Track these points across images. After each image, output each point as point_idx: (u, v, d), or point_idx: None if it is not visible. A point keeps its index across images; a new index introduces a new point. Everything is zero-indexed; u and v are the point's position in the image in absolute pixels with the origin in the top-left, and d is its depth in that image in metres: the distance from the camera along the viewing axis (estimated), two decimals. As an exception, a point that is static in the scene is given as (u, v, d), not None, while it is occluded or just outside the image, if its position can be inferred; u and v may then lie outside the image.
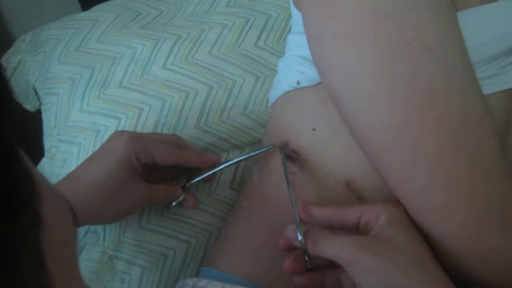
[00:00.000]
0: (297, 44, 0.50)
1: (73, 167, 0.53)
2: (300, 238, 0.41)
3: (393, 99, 0.37)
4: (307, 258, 0.42)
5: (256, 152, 0.53)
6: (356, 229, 0.42)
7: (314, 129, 0.48)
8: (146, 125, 0.61)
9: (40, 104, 0.71)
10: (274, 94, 0.54)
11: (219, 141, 0.62)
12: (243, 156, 0.54)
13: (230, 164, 0.55)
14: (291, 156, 0.50)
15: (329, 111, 0.47)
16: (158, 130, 0.61)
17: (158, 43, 0.64)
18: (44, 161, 0.66)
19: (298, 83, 0.49)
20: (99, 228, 0.61)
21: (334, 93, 0.42)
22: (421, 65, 0.36)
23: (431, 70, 0.37)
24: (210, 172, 0.56)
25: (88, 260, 0.60)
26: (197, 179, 0.57)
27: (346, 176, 0.46)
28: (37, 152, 0.68)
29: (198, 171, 0.57)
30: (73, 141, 0.63)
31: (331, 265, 0.42)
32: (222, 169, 0.56)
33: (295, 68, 0.50)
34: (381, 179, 0.42)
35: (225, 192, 0.62)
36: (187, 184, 0.57)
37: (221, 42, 0.64)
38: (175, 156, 0.53)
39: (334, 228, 0.43)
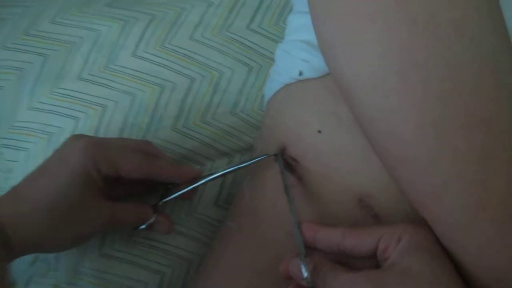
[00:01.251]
0: (300, 26, 0.50)
1: (20, 178, 0.52)
2: (306, 275, 0.41)
3: (419, 94, 0.37)
4: None
5: (247, 163, 0.52)
6: (373, 257, 0.42)
7: (319, 131, 0.48)
8: (110, 127, 0.61)
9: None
10: (271, 88, 0.54)
11: (202, 147, 0.62)
12: (231, 167, 0.53)
13: (215, 178, 0.54)
14: (290, 164, 0.50)
15: (339, 109, 0.47)
16: (126, 134, 0.61)
17: (128, 25, 0.64)
18: (-17, 171, 0.64)
19: (300, 74, 0.49)
20: (50, 256, 0.59)
21: (345, 86, 0.41)
22: (455, 54, 0.36)
23: (469, 61, 0.36)
24: (189, 188, 0.55)
25: (36, 295, 0.58)
26: (173, 196, 0.56)
27: (359, 190, 0.47)
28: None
29: (175, 186, 0.57)
30: (20, 146, 0.63)
31: None
32: (204, 183, 0.55)
33: (297, 56, 0.50)
34: (402, 193, 0.42)
35: (209, 211, 0.62)
36: (160, 203, 0.57)
37: (206, 24, 0.64)
38: (145, 168, 0.53)
39: (345, 255, 0.43)
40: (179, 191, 0.55)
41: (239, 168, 0.52)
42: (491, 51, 0.37)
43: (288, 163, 0.49)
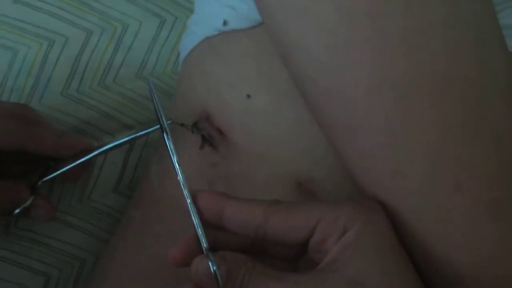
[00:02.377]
0: None
1: None
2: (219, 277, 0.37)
3: (375, 46, 0.36)
4: None
5: (142, 133, 0.51)
6: (304, 249, 0.40)
7: (248, 96, 0.47)
8: (-17, 89, 0.59)
9: None
10: (188, 42, 0.53)
11: (100, 117, 0.62)
12: (123, 138, 0.52)
13: (104, 151, 0.53)
14: (213, 137, 0.49)
15: (273, 68, 0.46)
16: (3, 98, 0.60)
17: None
18: None
19: (225, 23, 0.48)
20: None
21: (281, 37, 0.41)
22: None
23: (441, 5, 0.36)
24: (75, 164, 0.53)
25: None
26: (55, 174, 0.55)
27: (298, 172, 0.46)
28: None
29: (58, 163, 0.55)
30: None
31: None
32: (93, 157, 0.53)
33: (221, 2, 0.49)
34: (351, 175, 0.42)
35: (107, 199, 0.62)
36: (39, 183, 0.55)
37: None
38: (20, 137, 0.51)
39: (268, 243, 0.40)
40: (63, 167, 0.54)
41: (132, 138, 0.52)
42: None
43: (211, 136, 0.49)
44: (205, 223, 0.39)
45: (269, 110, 0.47)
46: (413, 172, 0.38)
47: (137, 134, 0.51)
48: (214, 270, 0.37)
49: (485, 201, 0.37)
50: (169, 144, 0.43)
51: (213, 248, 0.39)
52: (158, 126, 0.47)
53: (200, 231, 0.39)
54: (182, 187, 0.40)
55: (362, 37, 0.36)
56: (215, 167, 0.49)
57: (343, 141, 0.41)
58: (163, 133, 0.44)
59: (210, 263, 0.37)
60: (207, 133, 0.49)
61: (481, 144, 0.37)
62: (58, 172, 0.54)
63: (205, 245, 0.39)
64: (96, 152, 0.53)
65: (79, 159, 0.53)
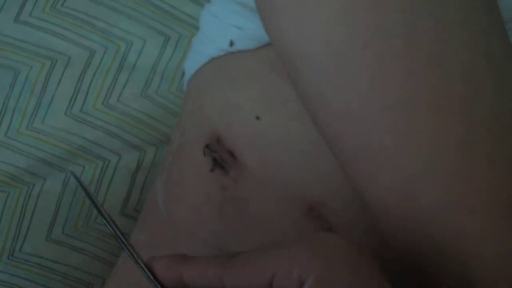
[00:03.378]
0: None
1: None
2: None
3: (385, 66, 0.36)
4: None
5: None
6: None
7: (257, 118, 0.47)
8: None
9: None
10: (194, 62, 0.53)
11: (106, 137, 0.62)
12: None
13: None
14: (224, 160, 0.48)
15: (282, 89, 0.45)
16: (5, 122, 0.60)
17: None
18: None
19: (231, 44, 0.48)
20: None
21: (291, 57, 0.40)
22: (436, 19, 0.36)
23: (443, 23, 0.36)
24: None
25: None
26: None
27: (309, 195, 0.46)
28: None
29: None
30: None
31: None
32: None
33: (227, 21, 0.48)
34: (360, 197, 0.41)
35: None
36: None
37: None
38: None
39: None
40: None
41: None
42: (478, 16, 0.37)
43: (222, 158, 0.48)
44: None
45: (279, 132, 0.47)
46: (424, 195, 0.37)
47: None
48: None
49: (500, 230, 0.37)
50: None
51: None
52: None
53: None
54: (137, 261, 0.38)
55: (375, 58, 0.36)
56: (225, 190, 0.48)
57: (353, 162, 0.40)
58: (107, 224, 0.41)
59: None
60: (218, 156, 0.49)
61: (496, 167, 0.37)
62: None
63: None
64: None
65: None
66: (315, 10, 0.37)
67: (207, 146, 0.49)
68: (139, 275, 0.47)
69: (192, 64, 0.54)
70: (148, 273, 0.36)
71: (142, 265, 0.37)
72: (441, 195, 0.37)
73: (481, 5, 0.37)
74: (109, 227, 0.38)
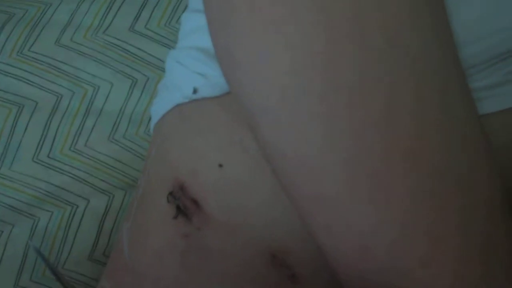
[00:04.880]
0: (196, 28, 0.49)
1: None
2: None
3: (341, 122, 0.36)
4: None
5: None
6: None
7: (220, 165, 0.47)
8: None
9: None
10: (159, 108, 0.53)
11: (74, 182, 0.61)
12: None
13: None
14: (187, 207, 0.48)
15: (245, 138, 0.45)
16: None
17: None
18: None
19: (195, 91, 0.48)
20: None
21: (247, 111, 0.40)
22: (387, 69, 0.35)
23: (394, 75, 0.36)
24: None
25: None
26: None
27: (273, 243, 0.45)
28: None
29: None
30: None
31: None
32: None
33: (191, 68, 0.48)
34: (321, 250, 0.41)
35: (82, 267, 0.61)
36: None
37: (77, 25, 0.63)
38: None
39: None
40: None
41: None
42: (434, 67, 0.37)
43: (186, 207, 0.48)
44: None
45: (242, 180, 0.46)
46: (381, 250, 0.37)
47: None
48: None
49: (450, 277, 0.37)
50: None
51: None
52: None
53: None
54: None
55: (330, 111, 0.36)
56: (188, 238, 0.47)
57: (310, 215, 0.40)
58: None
59: None
60: (182, 203, 0.48)
61: (448, 217, 0.37)
62: None
63: None
64: None
65: None
66: (271, 65, 0.37)
67: (170, 193, 0.49)
68: None
69: (157, 110, 0.53)
70: None
71: None
72: (394, 246, 0.37)
73: (439, 57, 0.37)
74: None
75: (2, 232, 0.59)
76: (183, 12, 0.63)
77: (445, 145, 0.37)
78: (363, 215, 0.37)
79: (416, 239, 0.37)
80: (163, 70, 0.62)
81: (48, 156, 0.60)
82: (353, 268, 0.39)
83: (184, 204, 0.48)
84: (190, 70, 0.49)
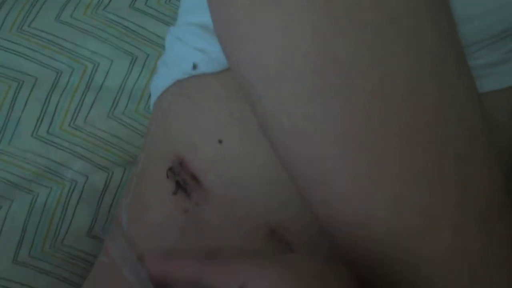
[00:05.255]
0: (196, 5, 0.49)
1: None
2: None
3: (338, 98, 0.36)
4: None
5: None
6: None
7: (220, 141, 0.47)
8: None
9: None
10: (158, 84, 0.52)
11: (72, 158, 0.61)
12: None
13: None
14: (187, 183, 0.48)
15: (244, 113, 0.45)
16: None
17: None
18: None
19: (194, 67, 0.48)
20: None
21: (246, 87, 0.40)
22: (383, 44, 0.35)
23: (401, 56, 0.35)
24: None
25: None
26: None
27: (272, 219, 0.45)
28: None
29: None
30: None
31: None
32: None
33: (191, 44, 0.48)
34: (320, 224, 0.41)
35: (81, 244, 0.61)
36: None
37: (76, 1, 0.63)
38: None
39: None
40: None
41: None
42: (430, 45, 0.37)
43: (185, 182, 0.48)
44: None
45: (241, 155, 0.46)
46: (377, 224, 0.37)
47: None
48: None
49: (446, 250, 0.37)
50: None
51: None
52: None
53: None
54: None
55: (326, 85, 0.36)
56: (187, 213, 0.47)
57: (310, 191, 0.40)
58: None
59: None
60: (181, 179, 0.48)
61: (444, 193, 0.37)
62: None
63: None
64: None
65: None
66: (269, 37, 0.37)
67: (170, 169, 0.48)
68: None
69: (157, 87, 0.53)
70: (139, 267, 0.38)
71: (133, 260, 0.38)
72: (391, 220, 0.37)
73: (434, 35, 0.37)
74: None
75: (1, 207, 0.59)
76: (183, -11, 0.61)
77: (442, 121, 0.37)
78: (360, 190, 0.37)
79: (412, 213, 0.37)
80: (163, 47, 0.61)
81: (47, 132, 0.60)
82: (352, 239, 0.39)
83: (183, 179, 0.48)
84: (189, 46, 0.48)
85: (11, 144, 0.59)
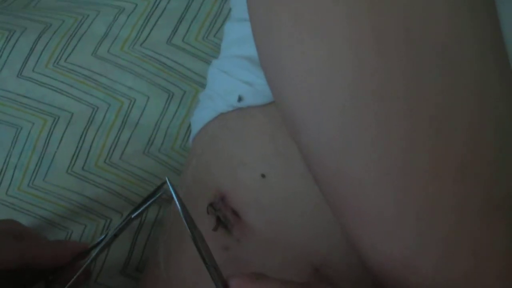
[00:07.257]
0: (241, 38, 0.49)
1: None
2: None
3: (382, 129, 0.36)
4: None
5: (144, 207, 0.49)
6: None
7: (263, 176, 0.46)
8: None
9: None
10: (201, 118, 0.53)
11: (107, 195, 0.61)
12: (123, 221, 0.50)
13: (106, 245, 0.51)
14: (228, 219, 0.48)
15: (289, 148, 0.45)
16: (6, 179, 0.60)
17: (13, 37, 0.63)
18: None
19: (240, 99, 0.48)
20: None
21: (291, 119, 0.40)
22: (432, 79, 0.35)
23: (450, 90, 0.35)
24: (79, 272, 0.50)
25: None
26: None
27: (315, 257, 0.45)
28: None
29: (59, 272, 0.52)
30: None
31: None
32: (95, 257, 0.51)
33: (236, 76, 0.49)
34: (364, 264, 0.40)
35: (115, 282, 0.60)
36: None
37: (114, 37, 0.64)
38: (16, 253, 0.48)
39: None
40: (68, 277, 0.51)
41: (134, 217, 0.50)
42: (477, 78, 0.36)
43: (226, 218, 0.47)
44: None
45: (285, 191, 0.46)
46: (424, 266, 0.37)
47: (143, 207, 0.50)
48: None
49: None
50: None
51: None
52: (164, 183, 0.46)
53: None
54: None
55: (371, 117, 0.35)
56: (228, 250, 0.47)
57: (355, 232, 0.40)
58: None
59: None
60: (222, 214, 0.48)
61: (493, 237, 0.37)
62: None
63: None
64: (101, 245, 0.51)
65: (77, 265, 0.51)
66: (316, 74, 0.37)
67: (210, 204, 0.48)
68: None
69: (199, 120, 0.53)
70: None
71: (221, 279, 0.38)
72: (439, 263, 0.37)
73: (494, 69, 0.37)
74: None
75: (36, 244, 0.58)
76: (221, 26, 0.63)
77: (496, 159, 0.36)
78: (408, 233, 0.37)
79: (461, 256, 0.36)
80: (199, 84, 0.62)
81: (82, 169, 0.60)
82: (396, 281, 0.39)
83: (224, 215, 0.48)
84: (235, 78, 0.49)
85: (46, 180, 0.59)
